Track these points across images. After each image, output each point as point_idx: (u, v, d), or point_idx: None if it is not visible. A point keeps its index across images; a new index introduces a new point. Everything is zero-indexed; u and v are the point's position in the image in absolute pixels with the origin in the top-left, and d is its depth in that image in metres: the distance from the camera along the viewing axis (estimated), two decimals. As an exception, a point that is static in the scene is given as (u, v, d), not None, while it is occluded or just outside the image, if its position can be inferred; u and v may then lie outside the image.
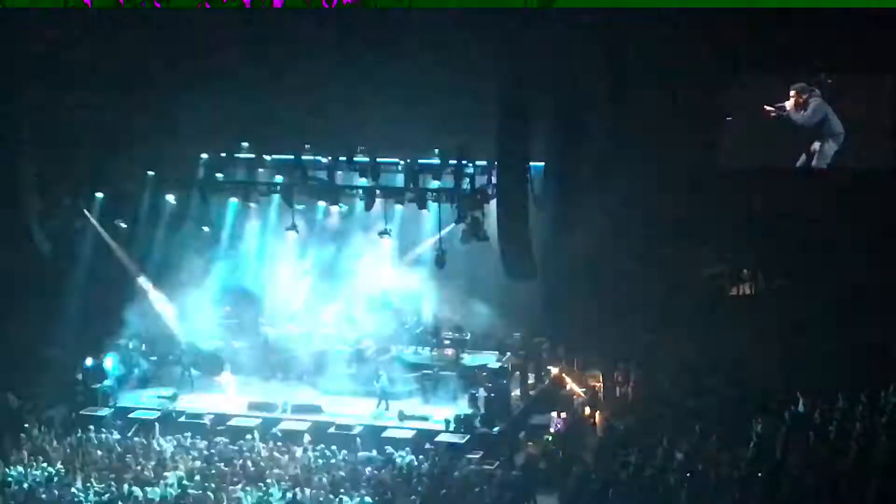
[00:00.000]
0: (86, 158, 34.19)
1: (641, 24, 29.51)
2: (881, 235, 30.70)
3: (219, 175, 35.14)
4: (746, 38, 30.07)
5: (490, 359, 34.98)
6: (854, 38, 29.13)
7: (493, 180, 32.53)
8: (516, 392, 33.65)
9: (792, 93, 31.29)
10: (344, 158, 33.76)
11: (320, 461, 29.49)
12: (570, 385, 33.45)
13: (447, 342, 35.67)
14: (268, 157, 34.99)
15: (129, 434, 31.84)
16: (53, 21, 30.80)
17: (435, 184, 33.75)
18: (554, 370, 34.01)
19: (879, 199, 30.85)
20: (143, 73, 32.57)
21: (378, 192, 33.83)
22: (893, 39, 29.01)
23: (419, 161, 33.59)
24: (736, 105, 31.90)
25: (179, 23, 30.91)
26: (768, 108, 31.30)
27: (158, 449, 30.58)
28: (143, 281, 36.53)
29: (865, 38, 29.13)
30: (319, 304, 36.42)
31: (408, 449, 30.16)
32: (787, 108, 31.34)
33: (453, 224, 33.36)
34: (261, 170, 35.32)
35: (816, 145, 31.52)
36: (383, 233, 34.39)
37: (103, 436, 31.45)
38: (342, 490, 27.67)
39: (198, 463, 29.54)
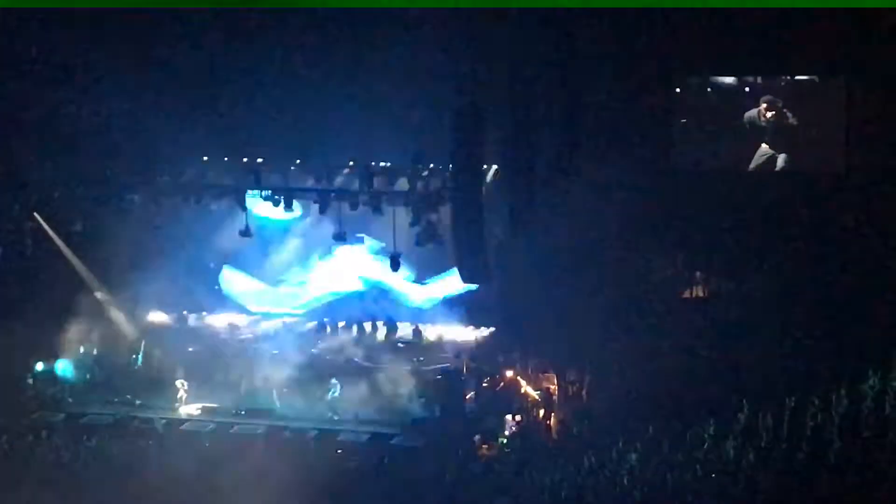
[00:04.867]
0: (39, 158, 33.73)
1: (596, 25, 29.54)
2: (835, 240, 30.81)
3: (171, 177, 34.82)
4: (701, 37, 30.08)
5: (444, 362, 34.91)
6: (807, 39, 29.21)
7: (448, 183, 32.51)
8: (470, 395, 33.66)
9: (763, 106, 31.31)
10: (297, 161, 33.72)
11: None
12: (525, 388, 33.48)
13: (401, 346, 35.66)
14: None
15: (82, 439, 31.51)
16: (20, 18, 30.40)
17: (389, 187, 33.71)
18: (508, 373, 34.00)
19: (833, 204, 30.96)
20: (105, 72, 32.16)
21: (332, 195, 33.80)
22: (846, 40, 29.07)
23: (373, 163, 33.51)
24: (691, 106, 31.96)
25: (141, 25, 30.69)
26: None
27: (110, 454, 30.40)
28: (96, 285, 36.26)
29: (817, 39, 29.21)
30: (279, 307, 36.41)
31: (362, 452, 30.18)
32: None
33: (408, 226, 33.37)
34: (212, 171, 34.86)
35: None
36: (338, 236, 34.34)
37: (54, 441, 31.18)
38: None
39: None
